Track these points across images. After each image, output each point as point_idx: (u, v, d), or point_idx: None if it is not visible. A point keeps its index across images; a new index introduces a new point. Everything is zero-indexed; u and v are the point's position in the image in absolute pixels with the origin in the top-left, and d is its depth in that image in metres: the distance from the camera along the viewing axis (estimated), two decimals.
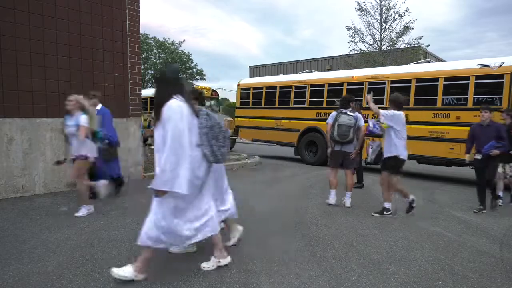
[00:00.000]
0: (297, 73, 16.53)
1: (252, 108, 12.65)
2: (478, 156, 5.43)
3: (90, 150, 4.64)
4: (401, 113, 4.92)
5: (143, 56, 27.17)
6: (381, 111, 4.87)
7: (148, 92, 18.08)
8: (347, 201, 5.54)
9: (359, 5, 20.97)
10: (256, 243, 3.79)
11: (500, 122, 5.83)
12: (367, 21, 21.28)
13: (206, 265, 3.10)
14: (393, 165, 4.92)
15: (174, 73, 2.93)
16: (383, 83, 9.23)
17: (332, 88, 10.35)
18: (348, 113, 5.43)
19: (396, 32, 20.73)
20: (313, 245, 3.78)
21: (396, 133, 4.88)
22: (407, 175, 8.84)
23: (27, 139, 5.78)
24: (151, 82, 29.87)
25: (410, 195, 5.05)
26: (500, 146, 5.24)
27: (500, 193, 5.99)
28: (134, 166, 7.16)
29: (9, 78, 5.58)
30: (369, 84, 9.50)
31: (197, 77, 30.95)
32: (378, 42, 21.48)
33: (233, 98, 45.14)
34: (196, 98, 3.39)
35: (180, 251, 3.40)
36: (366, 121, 5.60)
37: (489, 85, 7.66)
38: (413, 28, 20.45)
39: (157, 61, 29.42)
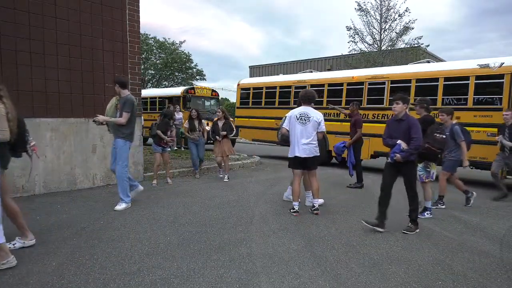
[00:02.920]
0: (297, 73, 16.53)
1: (252, 108, 12.66)
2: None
3: None
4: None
5: (143, 56, 27.16)
6: None
7: (148, 92, 18.13)
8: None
9: (359, 5, 21.02)
10: (257, 243, 3.79)
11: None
12: (367, 21, 21.34)
13: None
14: None
15: None
16: (383, 83, 9.23)
17: (332, 88, 10.36)
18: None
19: (396, 32, 20.79)
20: (313, 245, 3.78)
21: None
22: None
23: None
24: (151, 82, 29.91)
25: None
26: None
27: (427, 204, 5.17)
28: (134, 166, 7.17)
29: (9, 78, 5.57)
30: (369, 84, 9.50)
31: (197, 77, 30.94)
32: (378, 42, 21.50)
33: (233, 98, 45.20)
34: None
35: None
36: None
37: (489, 85, 7.66)
38: (413, 28, 20.51)
39: (157, 61, 29.39)
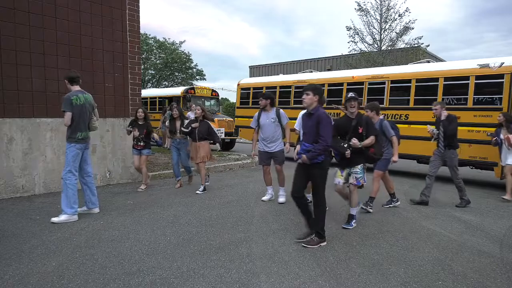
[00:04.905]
0: (297, 73, 16.53)
1: (252, 108, 12.63)
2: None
3: None
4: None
5: (143, 56, 27.15)
6: None
7: (148, 92, 18.12)
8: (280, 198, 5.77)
9: (359, 5, 21.02)
10: (257, 243, 3.79)
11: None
12: (367, 21, 21.34)
13: None
14: None
15: None
16: (383, 83, 9.23)
17: (332, 88, 10.35)
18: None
19: (396, 32, 20.78)
20: None
21: None
22: (407, 175, 8.85)
23: (27, 139, 5.78)
24: (151, 82, 29.91)
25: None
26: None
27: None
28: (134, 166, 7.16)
29: (9, 78, 5.58)
30: (369, 84, 9.50)
31: (197, 77, 30.94)
32: (378, 42, 21.51)
33: (233, 98, 45.18)
34: None
35: None
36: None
37: (489, 85, 7.66)
38: (413, 28, 20.51)
39: (157, 61, 29.39)
